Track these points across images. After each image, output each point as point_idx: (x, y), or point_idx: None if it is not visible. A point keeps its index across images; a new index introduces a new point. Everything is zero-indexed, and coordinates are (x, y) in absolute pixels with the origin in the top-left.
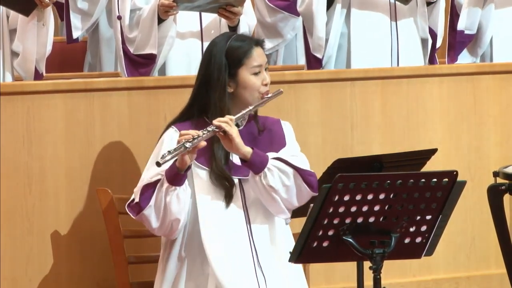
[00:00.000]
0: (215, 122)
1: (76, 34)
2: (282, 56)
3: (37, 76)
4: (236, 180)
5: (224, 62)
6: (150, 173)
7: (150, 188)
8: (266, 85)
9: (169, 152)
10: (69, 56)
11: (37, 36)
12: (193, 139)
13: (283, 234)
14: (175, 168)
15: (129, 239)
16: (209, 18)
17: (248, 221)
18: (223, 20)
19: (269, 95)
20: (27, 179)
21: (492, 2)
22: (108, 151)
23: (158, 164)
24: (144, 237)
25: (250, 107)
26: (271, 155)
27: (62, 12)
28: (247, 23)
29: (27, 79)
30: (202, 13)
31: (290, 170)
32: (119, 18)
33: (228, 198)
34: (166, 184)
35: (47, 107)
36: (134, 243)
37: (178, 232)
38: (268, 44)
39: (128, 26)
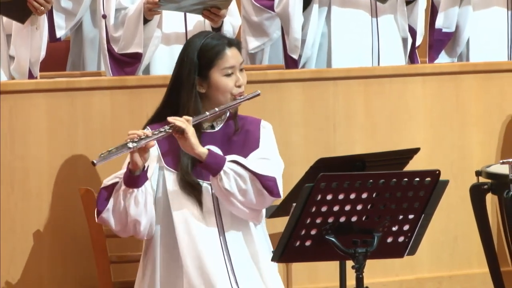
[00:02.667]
0: (170, 119)
1: (59, 33)
2: (268, 55)
3: (32, 79)
4: (209, 187)
5: (195, 62)
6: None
7: (107, 191)
8: (239, 86)
9: (109, 151)
10: (52, 56)
11: (31, 40)
12: (140, 139)
13: (257, 236)
14: (128, 169)
15: (111, 238)
16: (194, 19)
17: (221, 224)
18: (208, 22)
19: (243, 97)
20: (10, 178)
21: (469, 4)
22: (90, 151)
23: (93, 164)
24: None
25: (217, 109)
26: (229, 157)
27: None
28: (231, 23)
29: None
30: (187, 15)
31: (246, 174)
32: (104, 17)
33: (199, 204)
34: (123, 187)
35: (30, 106)
36: (117, 242)
37: (144, 233)
38: (255, 43)
39: (113, 25)
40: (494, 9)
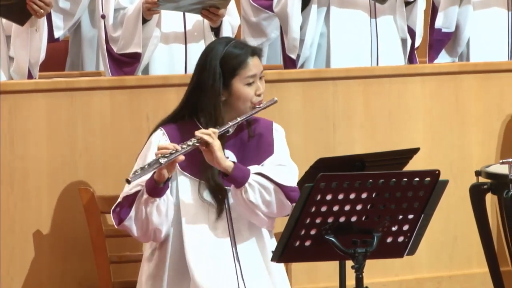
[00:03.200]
0: (197, 133)
1: (57, 33)
2: (267, 55)
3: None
4: None
5: (218, 70)
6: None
7: (129, 199)
8: (259, 95)
9: (142, 168)
10: (51, 56)
11: (31, 42)
12: (170, 154)
13: (269, 246)
14: (154, 180)
15: (111, 238)
16: (193, 19)
17: (233, 234)
18: (207, 21)
19: (262, 105)
20: (9, 178)
21: (469, 3)
22: (90, 151)
23: (128, 182)
24: (126, 236)
25: (239, 119)
26: (253, 169)
27: None
28: (230, 23)
29: None
30: (186, 14)
31: (271, 186)
32: (103, 17)
33: (220, 211)
34: (145, 196)
35: (29, 106)
36: (116, 242)
37: (164, 238)
38: (253, 43)
39: (112, 25)
40: (494, 9)
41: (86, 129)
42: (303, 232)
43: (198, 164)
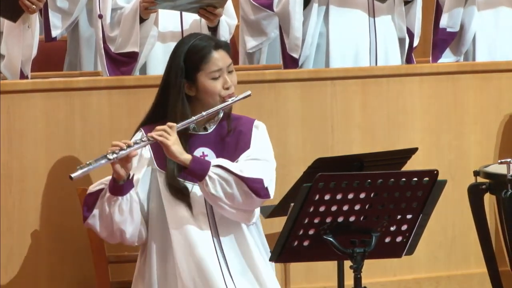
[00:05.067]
0: (149, 134)
1: (55, 33)
2: (266, 55)
3: (22, 78)
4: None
5: (181, 66)
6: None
7: (92, 197)
8: (227, 88)
9: (88, 163)
10: (49, 55)
11: (23, 39)
12: (121, 149)
13: (250, 237)
14: (113, 178)
15: None
16: (190, 18)
17: (215, 225)
18: (204, 21)
19: (232, 99)
20: (7, 178)
21: (473, 4)
22: (88, 150)
23: (70, 178)
24: None
25: (204, 113)
26: (214, 162)
27: (42, 10)
28: (228, 23)
29: None
30: (183, 14)
31: (231, 178)
32: (100, 16)
33: (188, 207)
34: (108, 194)
35: (27, 106)
36: None
37: (131, 240)
38: (252, 43)
39: (109, 25)
40: (500, 8)
41: (84, 129)
42: (301, 232)
43: (164, 159)
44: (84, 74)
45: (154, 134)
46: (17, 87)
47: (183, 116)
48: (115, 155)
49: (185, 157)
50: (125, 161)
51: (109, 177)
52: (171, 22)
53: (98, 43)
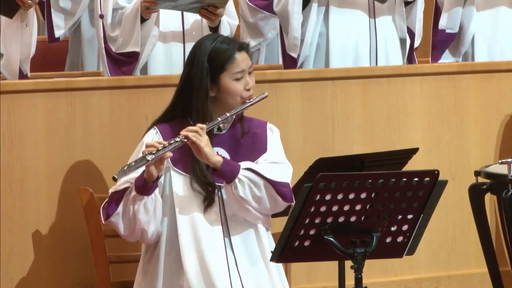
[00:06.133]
0: (183, 132)
1: (58, 33)
2: (264, 55)
3: (22, 77)
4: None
5: (206, 66)
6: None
7: (117, 195)
8: (248, 90)
9: (129, 165)
10: (51, 55)
11: (21, 37)
12: (157, 151)
13: (265, 238)
14: (143, 178)
15: (110, 238)
16: (191, 18)
17: (227, 231)
18: (205, 21)
19: (252, 100)
20: (8, 178)
21: (472, 4)
22: (89, 151)
23: (114, 179)
24: None
25: (228, 114)
26: (243, 164)
27: (44, 11)
28: (229, 23)
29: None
30: (185, 14)
31: (261, 182)
32: (101, 16)
33: (208, 202)
34: (133, 193)
35: (28, 106)
36: (115, 242)
37: (151, 239)
38: (251, 43)
39: (110, 25)
40: (499, 8)
41: (85, 129)
42: (302, 232)
43: (189, 160)
44: (85, 74)
45: (189, 134)
46: (18, 87)
47: (208, 117)
48: (152, 156)
49: (217, 159)
50: (159, 162)
51: (135, 175)
52: (172, 22)
53: (99, 43)
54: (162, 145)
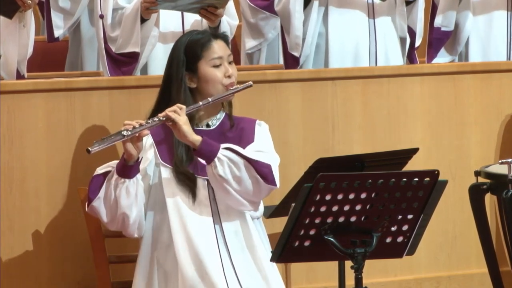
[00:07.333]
0: (164, 112)
1: (57, 33)
2: (265, 55)
3: (19, 77)
4: (204, 182)
5: (182, 58)
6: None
7: (99, 179)
8: (229, 76)
9: (103, 139)
10: (50, 55)
11: (18, 38)
12: (134, 128)
13: (254, 230)
14: (123, 159)
15: (110, 238)
16: (191, 19)
17: (218, 218)
18: (205, 21)
19: (235, 88)
20: (8, 178)
21: (468, 6)
22: None
23: (88, 151)
24: (125, 236)
25: (210, 99)
26: (224, 145)
27: (44, 11)
28: (229, 23)
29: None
30: (185, 14)
31: (241, 161)
32: (101, 17)
33: (193, 196)
34: (115, 176)
35: (28, 106)
36: (115, 242)
37: (132, 228)
38: (252, 43)
39: (110, 25)
40: (494, 9)
41: (85, 129)
42: (302, 232)
43: (169, 151)
44: (85, 74)
45: (168, 112)
46: (18, 87)
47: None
48: (129, 132)
49: (195, 138)
50: (137, 140)
51: (116, 161)
52: (172, 22)
53: (99, 43)
54: (139, 123)
